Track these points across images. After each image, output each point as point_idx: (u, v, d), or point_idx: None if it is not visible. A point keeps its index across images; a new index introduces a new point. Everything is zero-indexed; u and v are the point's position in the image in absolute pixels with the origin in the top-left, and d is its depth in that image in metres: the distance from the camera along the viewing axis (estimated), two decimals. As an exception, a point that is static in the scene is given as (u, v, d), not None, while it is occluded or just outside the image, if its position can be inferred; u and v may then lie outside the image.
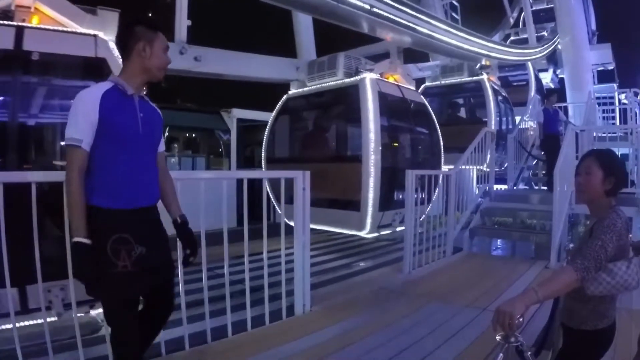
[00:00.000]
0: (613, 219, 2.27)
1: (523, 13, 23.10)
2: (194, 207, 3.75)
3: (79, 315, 3.42)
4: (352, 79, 8.61)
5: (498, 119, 12.81)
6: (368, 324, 4.69)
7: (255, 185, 5.85)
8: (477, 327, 4.55)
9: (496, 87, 13.52)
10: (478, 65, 13.46)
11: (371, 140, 7.84)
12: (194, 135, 16.79)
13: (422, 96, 10.25)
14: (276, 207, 8.16)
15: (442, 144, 9.94)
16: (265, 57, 10.05)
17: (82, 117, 2.57)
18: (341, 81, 8.87)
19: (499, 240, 11.48)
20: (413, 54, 13.92)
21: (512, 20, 23.86)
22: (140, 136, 2.74)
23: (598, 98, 17.96)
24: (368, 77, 8.26)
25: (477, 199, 9.61)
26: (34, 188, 3.12)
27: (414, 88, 10.12)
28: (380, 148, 7.94)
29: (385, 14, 8.38)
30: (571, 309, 2.46)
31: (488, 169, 10.03)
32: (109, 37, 4.93)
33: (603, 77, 22.73)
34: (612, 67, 22.29)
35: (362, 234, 8.20)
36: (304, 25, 15.23)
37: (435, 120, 10.02)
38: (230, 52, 9.38)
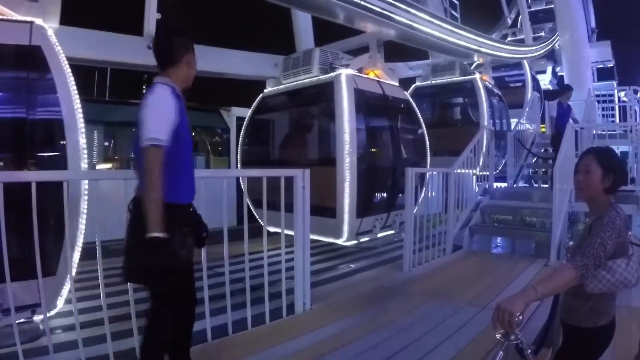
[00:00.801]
0: (612, 216, 2.27)
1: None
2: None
3: (20, 322, 3.36)
4: (327, 75, 8.24)
5: (491, 120, 12.50)
6: (368, 322, 4.70)
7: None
8: (477, 325, 4.56)
9: (490, 87, 13.20)
10: (474, 64, 13.27)
11: (346, 141, 7.49)
12: (193, 134, 16.81)
13: (405, 92, 9.77)
14: (254, 212, 7.94)
15: (427, 143, 9.60)
16: (241, 52, 9.69)
17: (165, 117, 2.77)
18: (316, 78, 8.47)
19: (498, 238, 11.47)
20: (408, 52, 13.74)
21: (509, 21, 23.78)
22: (191, 137, 3.07)
23: (597, 96, 17.96)
24: (343, 73, 7.89)
25: (477, 197, 9.60)
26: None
27: (397, 84, 9.60)
28: (358, 149, 7.62)
29: (362, 3, 7.95)
30: (571, 307, 2.46)
31: (481, 173, 9.91)
32: (50, 25, 4.80)
33: (602, 74, 22.79)
34: (611, 65, 22.36)
35: (340, 241, 7.85)
36: (302, 21, 15.27)
37: (421, 118, 9.66)
38: (202, 47, 8.99)
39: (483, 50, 12.55)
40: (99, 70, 16.40)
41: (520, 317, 1.91)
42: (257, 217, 7.61)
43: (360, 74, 8.44)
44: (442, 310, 5.02)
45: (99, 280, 3.49)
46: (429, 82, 13.49)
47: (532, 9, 22.91)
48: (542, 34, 22.19)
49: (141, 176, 2.80)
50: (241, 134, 10.15)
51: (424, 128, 9.60)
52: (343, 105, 7.59)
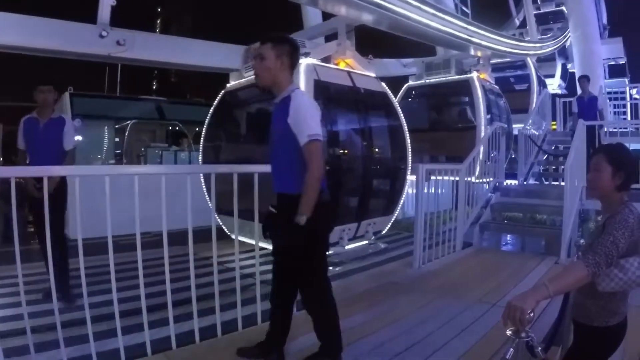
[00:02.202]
0: (625, 214, 2.26)
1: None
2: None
3: None
4: None
5: (490, 123, 11.43)
6: (378, 318, 4.71)
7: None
8: (487, 322, 4.56)
9: (489, 87, 12.44)
10: (477, 61, 12.75)
11: None
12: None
13: (383, 85, 8.52)
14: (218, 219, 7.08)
15: (408, 143, 8.52)
16: (206, 42, 9.27)
17: (318, 116, 3.29)
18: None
19: (508, 236, 11.44)
20: (403, 48, 13.46)
21: (517, 22, 23.43)
22: None
23: (609, 93, 17.85)
24: (303, 63, 7.02)
25: (487, 194, 9.56)
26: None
27: (373, 75, 8.41)
28: None
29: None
30: (582, 305, 2.46)
31: (479, 181, 9.33)
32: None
33: (614, 71, 22.61)
34: (623, 62, 22.17)
35: None
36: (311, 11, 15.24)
37: (401, 114, 8.53)
38: (162, 36, 8.57)
39: (475, 40, 11.13)
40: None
41: (531, 315, 1.91)
42: (221, 224, 6.91)
43: (325, 64, 7.54)
44: (453, 307, 5.02)
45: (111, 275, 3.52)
46: (422, 81, 12.84)
47: (542, 11, 22.67)
48: (551, 35, 21.92)
49: (283, 172, 3.39)
50: (203, 133, 9.37)
51: (405, 126, 8.53)
52: None
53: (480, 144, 8.84)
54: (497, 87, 13.25)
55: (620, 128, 12.98)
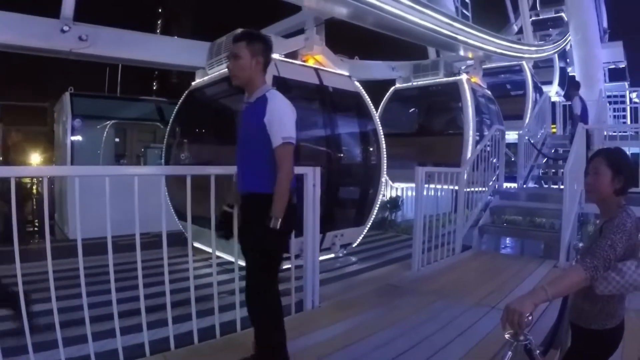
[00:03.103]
0: (623, 218, 2.27)
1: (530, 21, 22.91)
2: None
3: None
4: None
5: (478, 129, 11.08)
6: (377, 320, 4.71)
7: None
8: (485, 325, 4.56)
9: (479, 91, 11.81)
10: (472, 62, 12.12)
11: None
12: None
13: (357, 84, 7.87)
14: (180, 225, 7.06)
15: (383, 147, 7.89)
16: (173, 39, 8.95)
17: (293, 119, 3.32)
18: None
19: (507, 239, 11.44)
20: (392, 51, 13.20)
21: (515, 28, 23.32)
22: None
23: (609, 96, 17.84)
24: None
25: (486, 197, 9.56)
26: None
27: (346, 73, 7.78)
28: None
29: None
30: (580, 308, 2.46)
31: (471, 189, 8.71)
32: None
33: (614, 75, 22.63)
34: (623, 66, 22.18)
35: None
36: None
37: (376, 116, 7.95)
38: (126, 31, 8.01)
39: (461, 38, 10.39)
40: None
41: (530, 318, 1.92)
42: (182, 227, 6.90)
43: (288, 60, 6.95)
44: (451, 309, 5.03)
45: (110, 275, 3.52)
46: (409, 83, 12.32)
47: (541, 17, 22.64)
48: (550, 39, 21.84)
49: (254, 171, 3.32)
50: (166, 134, 8.90)
51: (380, 129, 7.89)
52: None
53: (476, 151, 8.73)
54: (488, 91, 12.77)
55: (620, 132, 12.97)
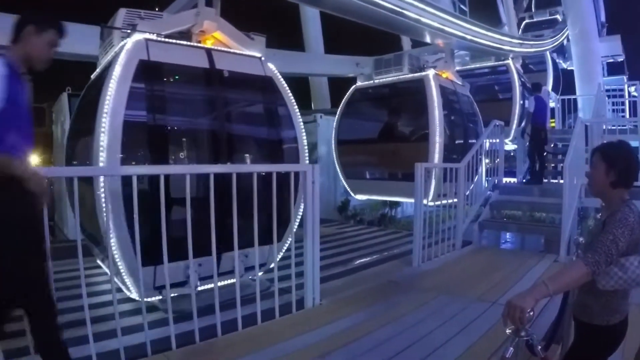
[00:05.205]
0: (625, 213, 2.26)
1: (524, 22, 22.87)
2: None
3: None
4: (121, 44, 5.25)
5: (448, 132, 9.86)
6: (377, 317, 4.71)
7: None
8: (486, 320, 4.56)
9: (449, 88, 10.38)
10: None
11: (103, 144, 4.52)
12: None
13: (271, 67, 6.21)
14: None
15: (303, 143, 6.14)
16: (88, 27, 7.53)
17: None
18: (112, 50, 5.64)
19: (508, 234, 11.46)
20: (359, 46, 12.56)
21: (507, 29, 23.25)
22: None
23: (608, 90, 17.80)
24: (131, 40, 5.09)
25: (486, 192, 9.55)
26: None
27: (257, 54, 6.17)
28: (140, 152, 5.22)
29: None
30: (583, 304, 2.46)
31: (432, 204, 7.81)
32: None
33: (613, 69, 22.62)
34: (621, 59, 22.18)
35: (133, 295, 4.82)
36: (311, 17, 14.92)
37: (293, 105, 6.15)
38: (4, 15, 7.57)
39: (424, 20, 9.09)
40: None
41: (531, 313, 1.91)
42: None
43: (164, 40, 5.40)
44: (452, 305, 5.03)
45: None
46: (371, 82, 10.98)
47: (535, 20, 22.57)
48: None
49: None
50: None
51: (298, 120, 6.20)
52: (110, 85, 4.67)
53: (469, 156, 8.24)
54: (466, 89, 11.28)
55: (619, 126, 12.96)
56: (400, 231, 9.99)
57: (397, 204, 11.79)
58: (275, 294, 4.63)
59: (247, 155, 5.81)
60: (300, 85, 18.96)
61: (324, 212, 9.06)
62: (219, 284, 4.56)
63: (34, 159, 20.92)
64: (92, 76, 6.38)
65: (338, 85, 9.60)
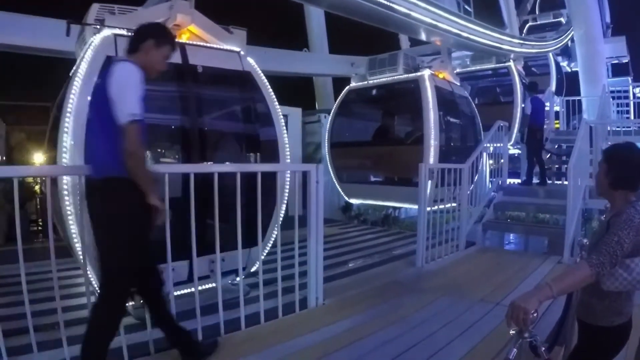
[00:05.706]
0: (631, 214, 2.25)
1: (527, 25, 22.79)
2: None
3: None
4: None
5: (444, 135, 9.45)
6: (381, 317, 4.71)
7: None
8: (490, 321, 4.55)
9: (445, 89, 9.93)
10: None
11: (69, 146, 4.31)
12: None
13: (250, 62, 5.88)
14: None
15: (284, 141, 5.82)
16: (36, 18, 7.48)
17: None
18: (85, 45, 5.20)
19: (511, 235, 11.44)
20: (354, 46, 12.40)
21: (508, 30, 23.16)
22: None
23: (612, 92, 17.75)
24: (100, 35, 4.80)
25: (490, 193, 9.54)
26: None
27: (236, 48, 5.82)
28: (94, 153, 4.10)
29: None
30: (588, 305, 2.46)
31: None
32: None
33: (617, 70, 22.52)
34: (626, 60, 22.09)
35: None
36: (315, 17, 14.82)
37: (273, 101, 5.82)
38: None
39: (415, 15, 8.76)
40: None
41: (535, 315, 1.91)
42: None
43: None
44: (456, 306, 5.02)
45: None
46: (365, 82, 10.61)
47: (539, 22, 22.49)
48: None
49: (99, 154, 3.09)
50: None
51: (279, 116, 5.89)
52: (75, 83, 4.50)
53: (473, 156, 8.28)
54: (465, 90, 11.03)
55: (624, 127, 12.92)
56: (404, 231, 9.96)
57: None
58: (279, 293, 4.63)
59: (251, 154, 5.70)
60: (304, 85, 18.98)
61: (328, 212, 9.05)
62: (182, 292, 4.61)
63: (39, 158, 21.04)
64: (70, 73, 5.73)
65: (343, 85, 9.56)
